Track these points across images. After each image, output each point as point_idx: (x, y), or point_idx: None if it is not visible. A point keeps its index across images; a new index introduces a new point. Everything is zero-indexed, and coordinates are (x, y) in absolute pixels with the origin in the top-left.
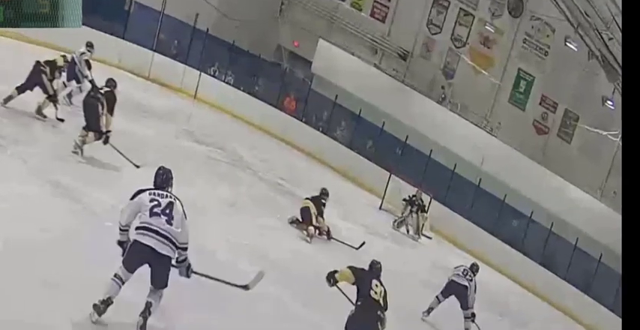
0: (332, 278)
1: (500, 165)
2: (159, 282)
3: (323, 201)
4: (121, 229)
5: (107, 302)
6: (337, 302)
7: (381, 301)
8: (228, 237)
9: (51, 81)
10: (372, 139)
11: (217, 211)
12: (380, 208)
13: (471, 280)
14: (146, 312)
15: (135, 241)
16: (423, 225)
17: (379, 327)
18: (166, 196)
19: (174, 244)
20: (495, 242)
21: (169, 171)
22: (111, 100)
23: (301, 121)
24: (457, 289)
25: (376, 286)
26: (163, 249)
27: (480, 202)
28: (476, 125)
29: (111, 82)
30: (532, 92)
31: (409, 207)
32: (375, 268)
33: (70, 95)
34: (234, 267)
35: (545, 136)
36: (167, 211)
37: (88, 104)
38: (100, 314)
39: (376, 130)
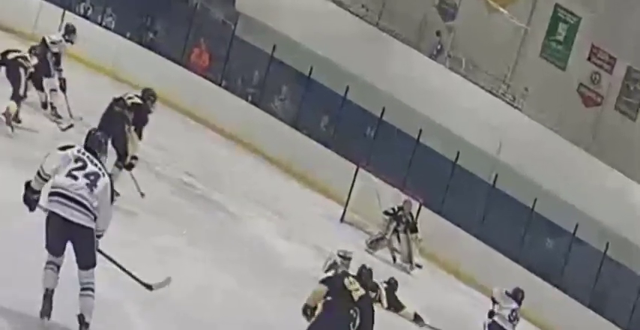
0: (308, 309)
1: (526, 154)
2: (83, 262)
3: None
4: (39, 174)
5: (49, 297)
6: None
7: (355, 296)
8: (107, 266)
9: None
10: (329, 113)
11: None
12: (342, 220)
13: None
14: (81, 317)
15: (48, 214)
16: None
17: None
18: (97, 165)
19: (93, 213)
20: (520, 272)
21: (104, 135)
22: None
23: (219, 85)
24: None
25: (350, 283)
26: (81, 219)
27: (497, 212)
28: (490, 92)
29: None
30: (576, 41)
31: (394, 223)
32: (362, 274)
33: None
34: (118, 310)
35: (597, 108)
36: (91, 178)
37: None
38: (48, 316)
39: (335, 101)
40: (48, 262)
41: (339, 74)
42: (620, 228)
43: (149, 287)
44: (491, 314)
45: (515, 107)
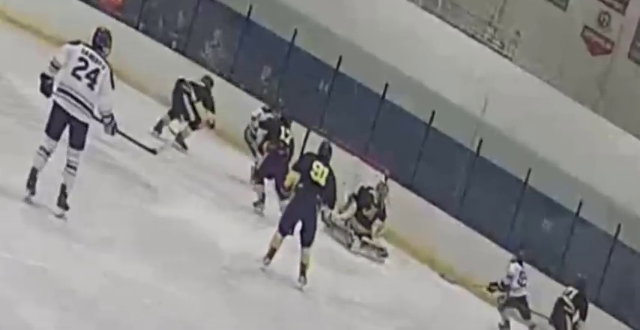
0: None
1: (518, 114)
2: (75, 142)
3: None
4: (52, 64)
5: (33, 174)
6: None
7: (322, 182)
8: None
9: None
10: (272, 63)
11: None
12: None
13: None
14: (63, 187)
15: (54, 104)
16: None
17: (316, 210)
18: (97, 60)
19: (90, 111)
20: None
21: (108, 32)
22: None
23: (136, 28)
24: None
25: (317, 166)
26: (80, 115)
27: (481, 186)
28: (473, 37)
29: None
30: None
31: (354, 204)
32: (322, 150)
33: None
34: (9, 312)
35: (606, 57)
36: (92, 76)
37: None
38: (33, 190)
39: (280, 48)
40: (41, 147)
41: (285, 15)
42: (633, 205)
43: (153, 152)
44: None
45: (505, 56)
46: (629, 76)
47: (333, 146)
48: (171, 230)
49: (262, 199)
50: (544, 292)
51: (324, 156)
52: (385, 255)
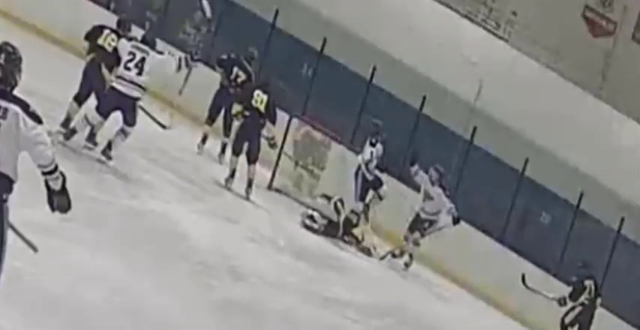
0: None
1: (514, 100)
2: (130, 119)
3: None
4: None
5: (71, 129)
6: None
7: (262, 108)
8: None
9: None
10: (253, 45)
11: None
12: (269, 187)
13: None
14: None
15: (111, 87)
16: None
17: (260, 133)
18: (143, 50)
19: (142, 88)
20: (505, 257)
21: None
22: None
23: (107, 8)
24: None
25: (257, 95)
26: (132, 92)
27: (474, 176)
28: (466, 17)
29: None
30: None
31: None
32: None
33: None
34: None
35: (608, 40)
36: (139, 65)
37: None
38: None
39: (261, 29)
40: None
41: None
42: (638, 198)
43: (163, 126)
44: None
45: (500, 37)
46: (633, 59)
47: (319, 134)
48: (145, 224)
49: (232, 175)
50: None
51: (264, 84)
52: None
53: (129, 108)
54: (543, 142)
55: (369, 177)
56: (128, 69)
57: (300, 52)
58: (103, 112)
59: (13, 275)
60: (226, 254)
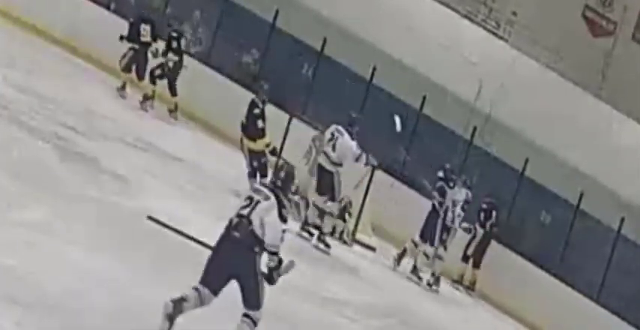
0: None
1: (515, 100)
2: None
3: None
4: None
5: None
6: None
7: None
8: None
9: None
10: (253, 46)
11: None
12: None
13: None
14: None
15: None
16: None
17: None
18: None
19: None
20: (506, 257)
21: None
22: None
23: (107, 8)
24: None
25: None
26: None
27: (474, 176)
28: (466, 17)
29: None
30: None
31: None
32: None
33: None
34: None
35: (608, 40)
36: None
37: None
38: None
39: (262, 29)
40: None
41: None
42: (638, 198)
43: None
44: None
45: (500, 37)
46: (633, 59)
47: (317, 133)
48: (145, 225)
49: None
50: (542, 288)
51: None
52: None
53: None
54: (543, 142)
55: None
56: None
57: (300, 52)
58: None
59: (12, 275)
60: None
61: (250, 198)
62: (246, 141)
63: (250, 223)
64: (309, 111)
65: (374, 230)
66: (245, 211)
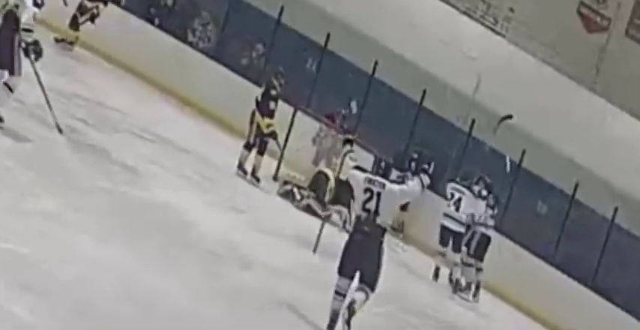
0: None
1: (512, 94)
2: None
3: None
4: None
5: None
6: None
7: None
8: None
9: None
10: (258, 41)
11: None
12: (275, 177)
13: None
14: None
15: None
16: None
17: None
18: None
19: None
20: (502, 245)
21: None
22: None
23: (118, 5)
24: None
25: None
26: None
27: (474, 167)
28: (465, 14)
29: None
30: None
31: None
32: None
33: None
34: None
35: (602, 36)
36: (377, 204)
37: None
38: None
39: (266, 24)
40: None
41: None
42: (631, 188)
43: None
44: None
45: (498, 33)
46: (626, 54)
47: (322, 126)
48: (151, 213)
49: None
50: (538, 276)
51: None
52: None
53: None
54: (540, 135)
55: None
56: (367, 211)
57: (304, 47)
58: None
59: (25, 263)
60: (234, 243)
61: (370, 190)
62: (257, 115)
63: (377, 215)
64: (313, 104)
65: None
66: (370, 205)
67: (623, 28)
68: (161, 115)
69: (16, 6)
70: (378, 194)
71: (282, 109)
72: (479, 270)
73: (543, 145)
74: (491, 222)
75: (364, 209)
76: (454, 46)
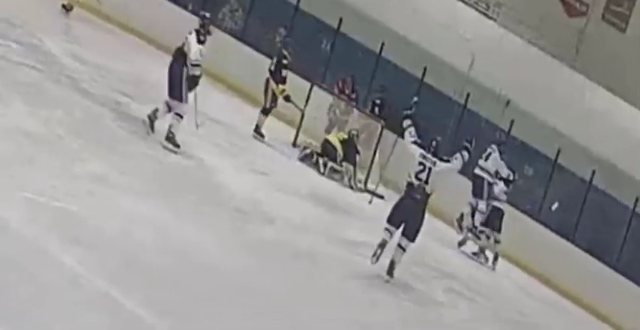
0: None
1: (501, 71)
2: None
3: None
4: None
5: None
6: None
7: None
8: (25, 195)
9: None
10: (280, 25)
11: (9, 150)
12: (294, 144)
13: None
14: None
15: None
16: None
17: None
18: (431, 161)
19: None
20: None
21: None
22: None
23: None
24: None
25: None
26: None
27: (468, 135)
28: (461, 0)
29: None
30: None
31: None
32: None
33: None
34: (38, 249)
35: (582, 20)
36: (425, 179)
37: None
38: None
39: (286, 10)
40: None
41: None
42: (606, 153)
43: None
44: None
45: (490, 17)
46: (602, 36)
47: (334, 99)
48: (186, 175)
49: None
50: (523, 229)
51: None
52: (382, 197)
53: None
54: (526, 107)
55: None
56: (419, 180)
57: (319, 30)
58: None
59: (75, 219)
60: (258, 201)
61: (423, 164)
62: (272, 82)
63: (427, 184)
64: (328, 80)
65: (382, 180)
66: (422, 176)
67: (599, 13)
68: (195, 90)
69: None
70: (429, 169)
71: (301, 84)
72: (497, 242)
73: (529, 115)
74: (503, 197)
75: (417, 178)
76: (451, 29)
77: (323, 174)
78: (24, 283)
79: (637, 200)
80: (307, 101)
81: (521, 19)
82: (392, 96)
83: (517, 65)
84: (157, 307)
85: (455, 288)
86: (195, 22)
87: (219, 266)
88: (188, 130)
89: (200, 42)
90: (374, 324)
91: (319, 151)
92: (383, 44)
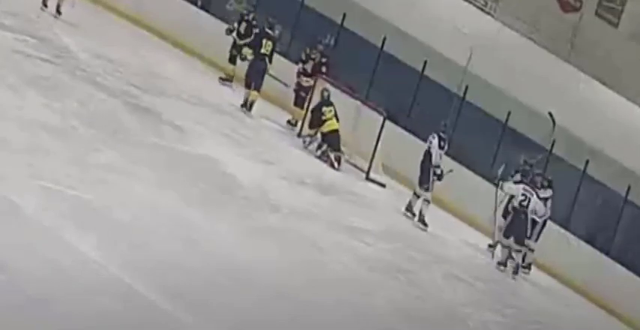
0: None
1: (499, 64)
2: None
3: None
4: None
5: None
6: None
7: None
8: (42, 184)
9: None
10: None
11: (26, 141)
12: (299, 135)
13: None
14: None
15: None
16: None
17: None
18: (532, 193)
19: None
20: (491, 190)
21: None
22: None
23: None
24: None
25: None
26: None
27: (466, 126)
28: None
29: None
30: None
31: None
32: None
33: None
34: (54, 236)
35: (576, 15)
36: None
37: None
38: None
39: (292, 6)
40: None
41: None
42: (600, 143)
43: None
44: None
45: (487, 13)
46: (596, 31)
47: (338, 91)
48: (195, 165)
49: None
50: None
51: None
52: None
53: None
54: (523, 99)
55: None
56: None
57: (324, 25)
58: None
59: (89, 206)
60: (264, 190)
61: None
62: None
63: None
64: (332, 72)
65: (384, 169)
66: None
67: (593, 9)
68: (204, 83)
69: None
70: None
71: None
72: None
73: (525, 107)
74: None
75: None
76: (450, 24)
77: (338, 170)
78: (40, 269)
79: (629, 189)
80: (312, 92)
81: (517, 15)
82: (394, 88)
83: (514, 58)
84: (169, 291)
85: (454, 272)
86: (203, 16)
87: (225, 252)
88: (197, 120)
89: (441, 147)
90: (377, 308)
91: (324, 145)
92: (385, 39)
